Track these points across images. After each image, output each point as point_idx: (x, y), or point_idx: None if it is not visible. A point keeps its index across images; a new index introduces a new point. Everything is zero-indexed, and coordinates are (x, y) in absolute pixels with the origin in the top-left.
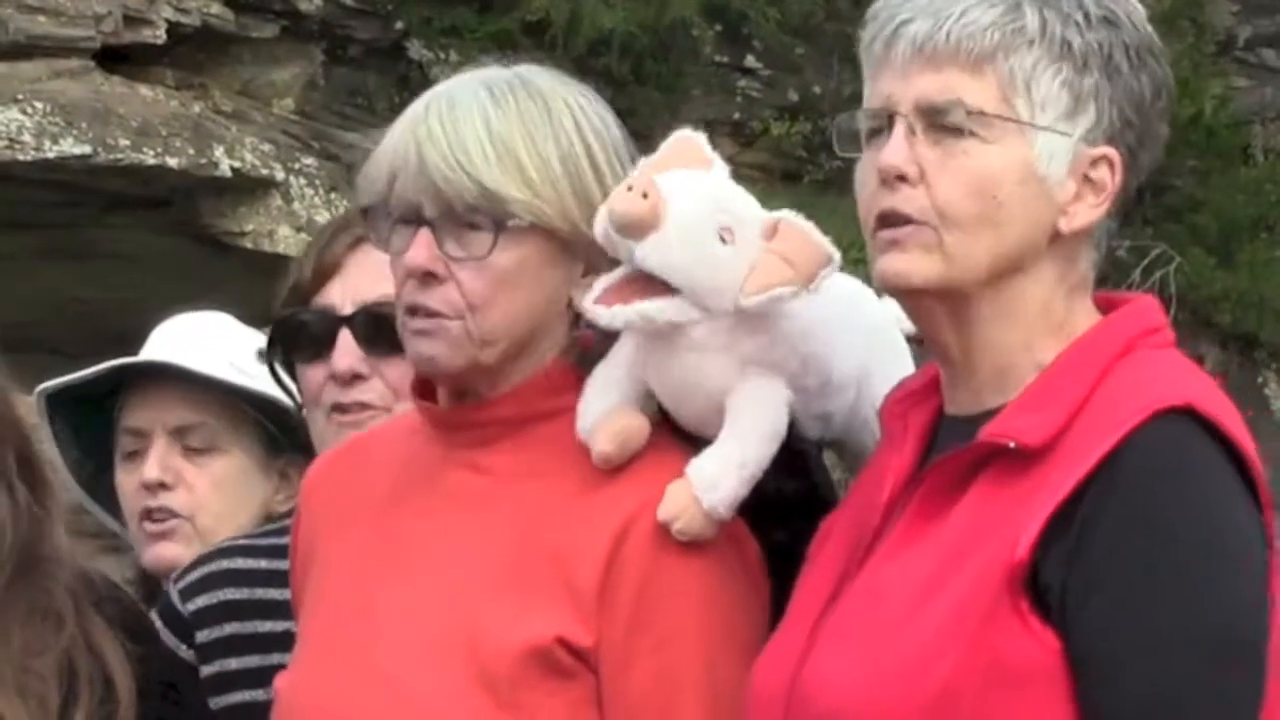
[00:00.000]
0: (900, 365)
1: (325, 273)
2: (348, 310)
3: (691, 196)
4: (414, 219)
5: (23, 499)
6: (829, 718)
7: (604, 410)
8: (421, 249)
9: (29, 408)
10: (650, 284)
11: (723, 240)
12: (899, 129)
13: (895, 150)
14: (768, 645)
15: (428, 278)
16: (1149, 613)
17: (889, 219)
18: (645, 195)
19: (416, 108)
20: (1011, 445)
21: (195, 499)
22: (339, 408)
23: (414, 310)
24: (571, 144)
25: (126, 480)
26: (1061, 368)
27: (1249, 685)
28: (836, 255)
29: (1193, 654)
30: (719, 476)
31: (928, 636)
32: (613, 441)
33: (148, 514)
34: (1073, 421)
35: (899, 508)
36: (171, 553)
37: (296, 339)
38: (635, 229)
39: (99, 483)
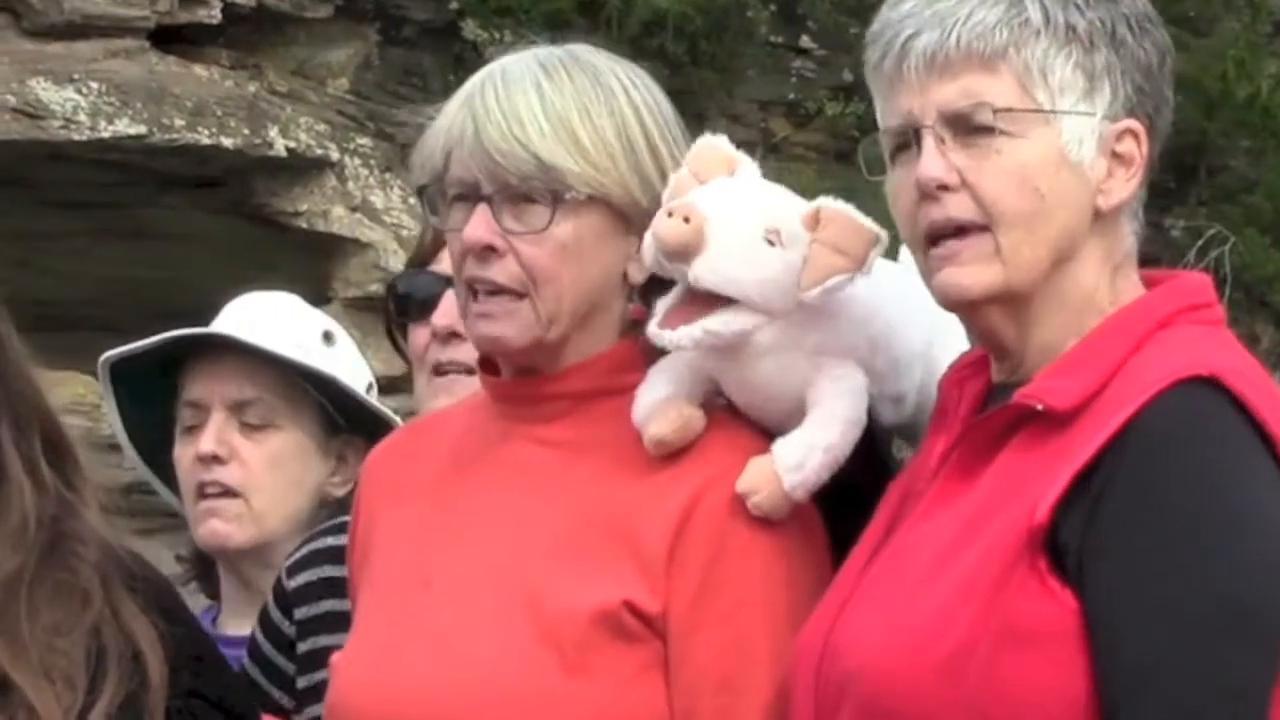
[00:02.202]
0: (958, 337)
1: (441, 240)
2: None
3: (731, 209)
4: (471, 195)
5: (49, 481)
6: (851, 676)
7: (660, 399)
8: (480, 224)
9: (86, 386)
10: (709, 300)
11: (769, 243)
12: (929, 141)
13: (930, 161)
14: (817, 605)
15: (487, 252)
16: (1154, 580)
17: (940, 231)
18: (687, 219)
19: (470, 84)
20: (1039, 407)
21: (248, 474)
22: (437, 368)
23: (476, 289)
24: (625, 117)
25: (183, 453)
26: (1098, 337)
27: (1257, 656)
28: (883, 234)
29: (1197, 622)
30: (804, 458)
31: (944, 598)
32: (666, 426)
33: (201, 488)
34: (1103, 389)
35: (940, 471)
36: (222, 530)
37: (407, 300)
38: (683, 253)
39: (163, 458)
